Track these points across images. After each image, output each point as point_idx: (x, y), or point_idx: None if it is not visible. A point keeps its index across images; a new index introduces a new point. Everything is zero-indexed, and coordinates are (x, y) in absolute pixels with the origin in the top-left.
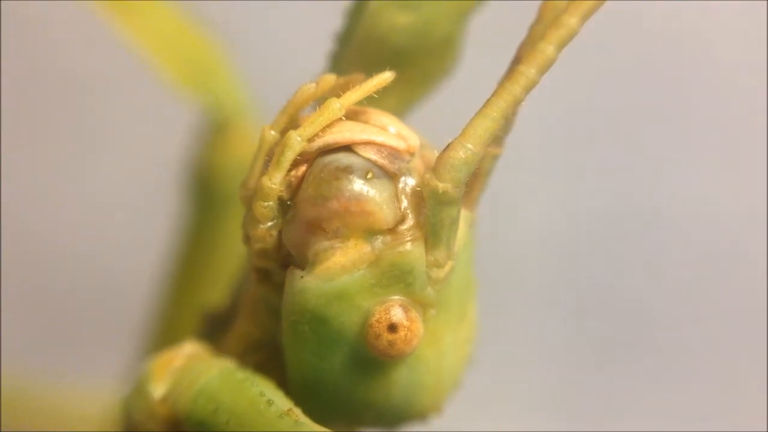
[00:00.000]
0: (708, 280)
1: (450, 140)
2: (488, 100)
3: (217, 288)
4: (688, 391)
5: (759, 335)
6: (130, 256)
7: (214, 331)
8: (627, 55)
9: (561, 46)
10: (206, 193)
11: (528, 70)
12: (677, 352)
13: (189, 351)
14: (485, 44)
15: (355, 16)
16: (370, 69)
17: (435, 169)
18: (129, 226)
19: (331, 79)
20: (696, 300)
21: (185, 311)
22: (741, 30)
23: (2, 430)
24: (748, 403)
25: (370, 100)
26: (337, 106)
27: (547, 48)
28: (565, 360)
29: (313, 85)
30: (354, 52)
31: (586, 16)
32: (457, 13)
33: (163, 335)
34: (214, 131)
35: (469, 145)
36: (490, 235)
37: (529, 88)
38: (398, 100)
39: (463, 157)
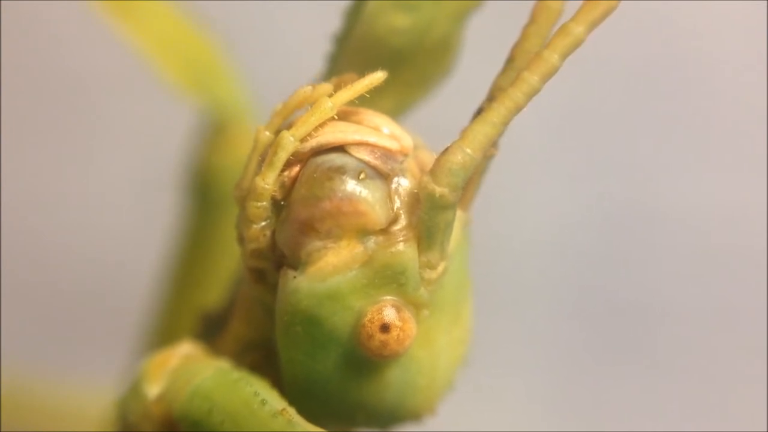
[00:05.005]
0: (708, 281)
1: (448, 142)
2: (490, 106)
3: (217, 288)
4: (688, 392)
5: (759, 335)
6: (129, 256)
7: (211, 331)
8: (627, 55)
9: (566, 54)
10: (206, 194)
11: (531, 77)
12: (677, 352)
13: (184, 351)
14: (482, 46)
15: (353, 17)
16: (368, 70)
17: (432, 172)
18: (129, 226)
19: (328, 88)
20: (696, 300)
21: (185, 311)
22: (741, 30)
23: (2, 430)
24: (748, 403)
25: (368, 102)
26: (328, 105)
27: (552, 56)
28: (562, 360)
29: (310, 87)
30: (352, 53)
31: (593, 25)
32: (456, 15)
33: (163, 335)
34: (214, 132)
35: (468, 150)
36: (488, 235)
37: (531, 96)
38: (396, 102)
39: (462, 161)
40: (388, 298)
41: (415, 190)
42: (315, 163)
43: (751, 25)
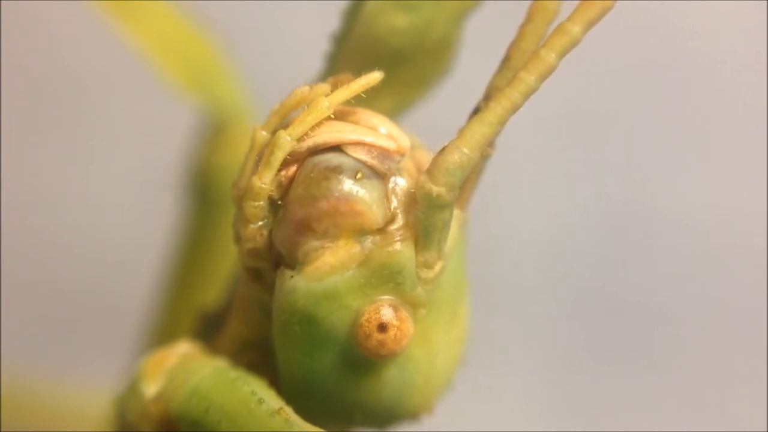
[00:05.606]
0: (706, 281)
1: (445, 142)
2: (487, 105)
3: (217, 288)
4: (686, 392)
5: (758, 336)
6: (129, 256)
7: (209, 330)
8: (624, 55)
9: (562, 53)
10: (206, 194)
11: (528, 77)
12: (675, 352)
13: (182, 350)
14: (480, 46)
15: (353, 16)
16: (367, 70)
17: (429, 171)
18: (129, 226)
19: (325, 88)
20: (694, 300)
21: (185, 311)
22: (740, 30)
23: (2, 430)
24: (747, 403)
25: (367, 101)
26: (325, 104)
27: (549, 55)
28: (561, 360)
29: (307, 87)
30: (351, 53)
31: (590, 25)
32: (455, 15)
33: (163, 335)
34: (214, 132)
35: (465, 150)
36: (485, 235)
37: (528, 95)
38: (395, 102)
39: (459, 161)
40: (386, 297)
41: (412, 190)
42: (312, 163)
43: (750, 25)
